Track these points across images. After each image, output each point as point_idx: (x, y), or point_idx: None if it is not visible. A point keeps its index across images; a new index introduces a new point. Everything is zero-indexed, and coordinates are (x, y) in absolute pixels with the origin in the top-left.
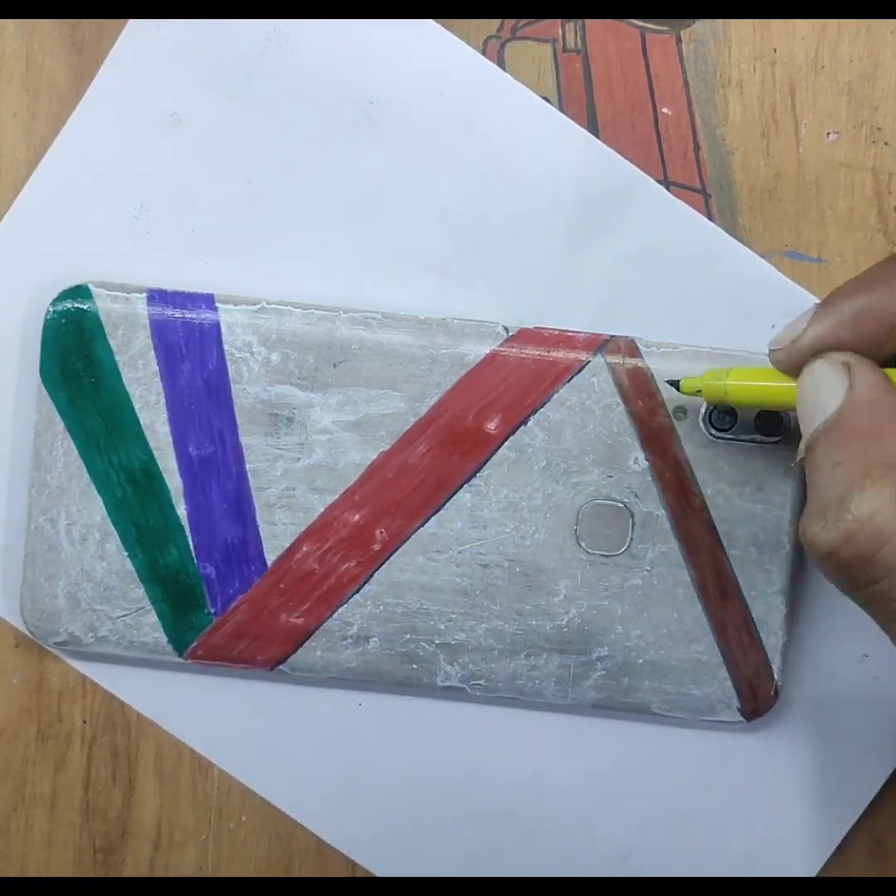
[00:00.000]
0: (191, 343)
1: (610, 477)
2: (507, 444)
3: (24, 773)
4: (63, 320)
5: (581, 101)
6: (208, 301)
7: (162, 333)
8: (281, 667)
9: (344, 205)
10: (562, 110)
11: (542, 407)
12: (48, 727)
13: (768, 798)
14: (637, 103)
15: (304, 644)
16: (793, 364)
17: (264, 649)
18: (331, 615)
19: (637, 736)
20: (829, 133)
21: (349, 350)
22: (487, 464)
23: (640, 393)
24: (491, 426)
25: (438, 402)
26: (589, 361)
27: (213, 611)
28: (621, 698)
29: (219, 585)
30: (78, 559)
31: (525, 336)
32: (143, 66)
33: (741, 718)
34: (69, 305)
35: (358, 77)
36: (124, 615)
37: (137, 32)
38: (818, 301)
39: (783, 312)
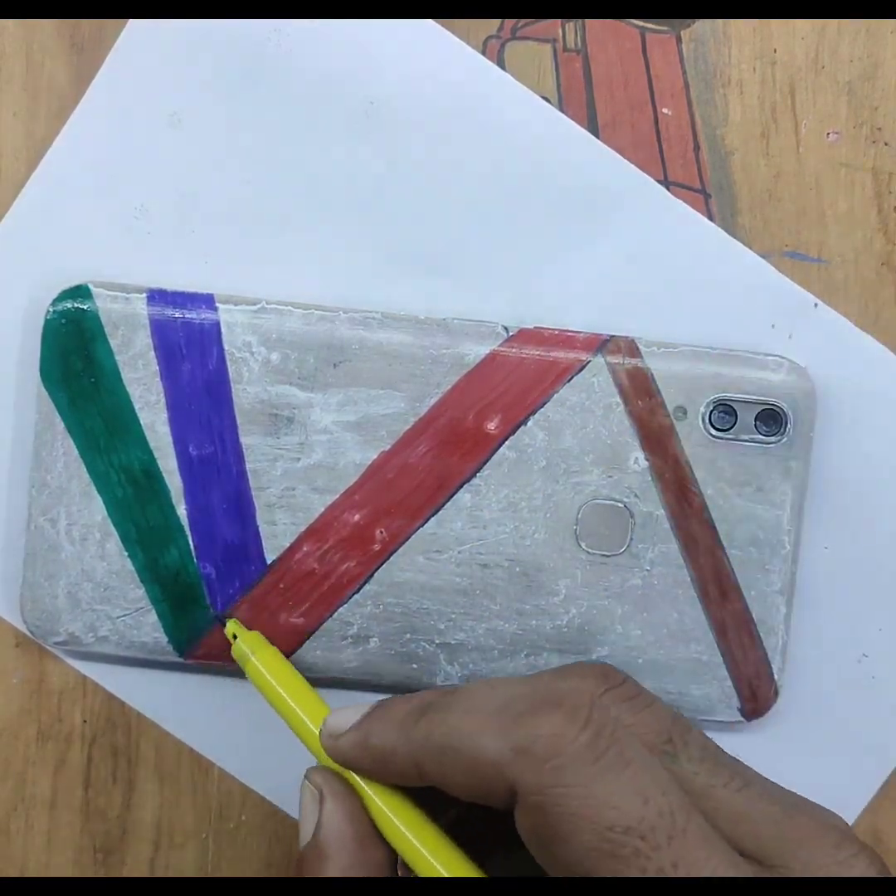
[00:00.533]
0: (191, 343)
1: (610, 477)
2: (507, 444)
3: (24, 773)
4: (63, 320)
5: (581, 101)
6: (208, 301)
7: (162, 333)
8: None
9: (344, 205)
10: (562, 110)
11: (542, 407)
12: (48, 727)
13: None
14: (637, 103)
15: (305, 644)
16: (326, 747)
17: None
18: (331, 615)
19: None
20: (829, 133)
21: (349, 350)
22: (487, 464)
23: (640, 393)
24: (491, 426)
25: (438, 402)
26: (589, 361)
27: (213, 611)
28: None
29: (219, 585)
30: (78, 559)
31: (525, 336)
32: (144, 67)
33: (741, 718)
34: (69, 305)
35: (358, 77)
36: (124, 615)
37: (137, 32)
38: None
39: (783, 312)
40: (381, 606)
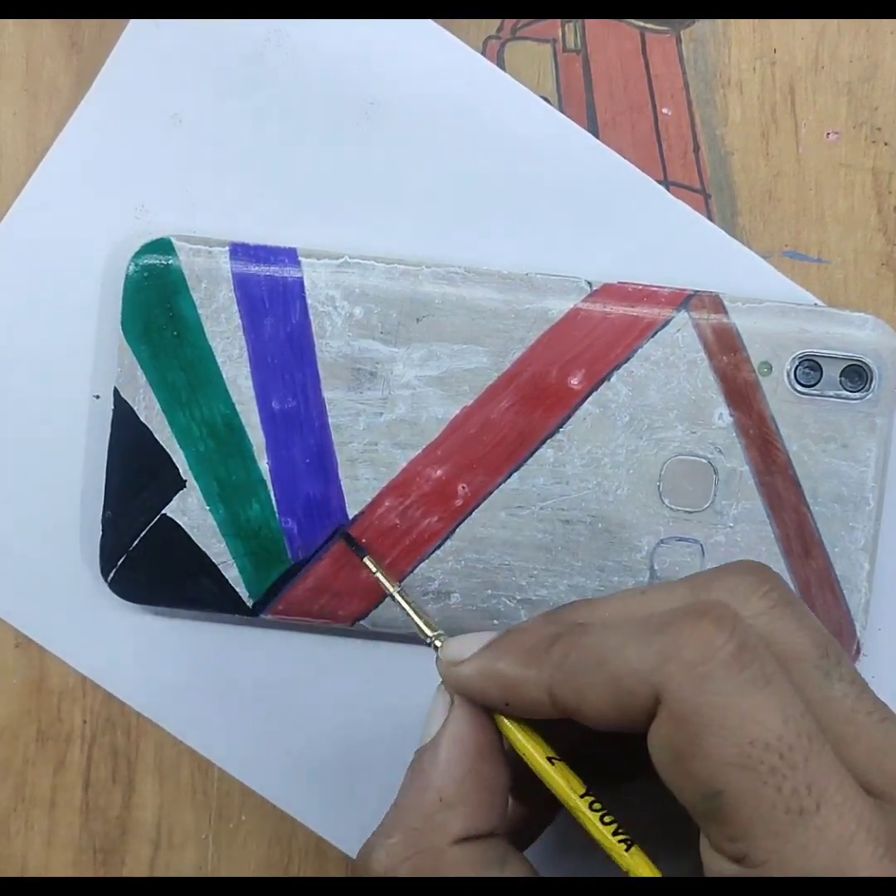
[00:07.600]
0: (274, 297)
1: (693, 433)
2: (590, 399)
3: (24, 773)
4: (145, 274)
5: (581, 102)
6: (291, 255)
7: (245, 287)
8: (362, 622)
9: (344, 205)
10: (562, 110)
11: (625, 362)
12: (48, 727)
13: None
14: (637, 103)
15: (386, 599)
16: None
17: (345, 604)
18: (412, 570)
19: None
20: (829, 133)
21: (432, 305)
22: (570, 419)
23: (724, 348)
24: (574, 381)
25: (521, 357)
26: (673, 317)
27: (294, 566)
28: None
29: (300, 540)
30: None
31: (608, 291)
32: (144, 67)
33: None
34: (151, 260)
35: (358, 77)
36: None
37: (138, 33)
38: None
39: None
40: (462, 562)
